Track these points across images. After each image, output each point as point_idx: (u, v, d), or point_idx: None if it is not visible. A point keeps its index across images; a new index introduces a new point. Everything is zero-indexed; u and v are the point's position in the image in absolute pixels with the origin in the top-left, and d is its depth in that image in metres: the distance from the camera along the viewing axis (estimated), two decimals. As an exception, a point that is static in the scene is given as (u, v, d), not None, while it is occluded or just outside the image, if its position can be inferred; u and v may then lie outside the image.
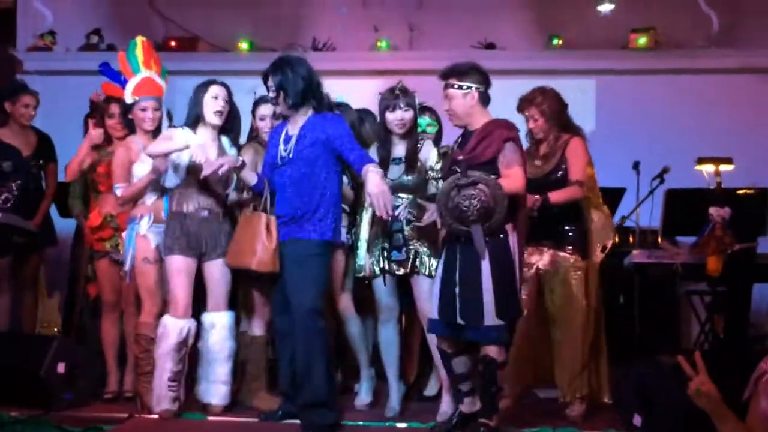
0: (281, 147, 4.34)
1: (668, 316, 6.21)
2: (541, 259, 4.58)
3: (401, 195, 4.42)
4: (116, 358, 5.00)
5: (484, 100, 4.14)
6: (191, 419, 4.47)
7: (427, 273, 4.37)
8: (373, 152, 4.51)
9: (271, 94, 4.34)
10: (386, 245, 4.44)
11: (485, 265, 3.91)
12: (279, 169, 4.33)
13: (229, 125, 4.59)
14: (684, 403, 2.90)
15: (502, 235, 3.96)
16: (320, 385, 4.19)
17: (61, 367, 4.57)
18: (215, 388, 4.51)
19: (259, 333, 4.69)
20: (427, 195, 4.44)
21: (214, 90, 4.51)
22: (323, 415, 4.19)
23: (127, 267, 4.62)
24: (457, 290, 3.95)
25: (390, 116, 4.49)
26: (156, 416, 4.41)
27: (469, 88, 4.09)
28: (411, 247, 4.41)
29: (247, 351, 4.67)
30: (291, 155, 4.28)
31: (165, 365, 4.40)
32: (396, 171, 4.47)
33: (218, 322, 4.51)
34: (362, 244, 4.55)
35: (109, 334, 4.98)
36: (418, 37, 7.31)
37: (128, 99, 4.67)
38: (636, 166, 6.13)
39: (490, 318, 3.90)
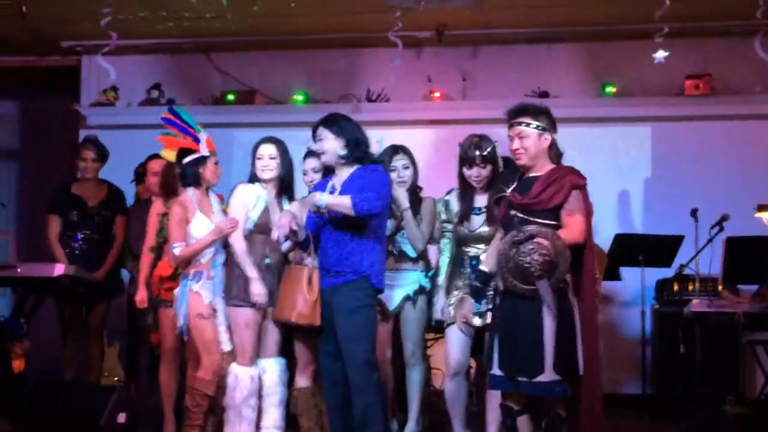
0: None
1: (731, 366, 6.09)
2: None
3: (479, 246, 4.48)
4: (174, 408, 5.04)
5: (552, 146, 4.02)
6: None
7: None
8: (454, 199, 4.64)
9: (320, 144, 4.39)
10: (467, 294, 4.46)
11: (548, 319, 3.78)
12: (329, 221, 4.38)
13: (285, 179, 4.69)
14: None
15: (561, 286, 3.83)
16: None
17: (121, 417, 4.63)
18: None
19: (305, 384, 4.65)
20: None
21: (260, 150, 4.64)
22: None
23: (180, 323, 4.66)
24: (517, 344, 3.81)
25: (467, 173, 4.55)
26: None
27: (544, 129, 3.98)
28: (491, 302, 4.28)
29: (296, 403, 4.64)
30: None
31: (244, 413, 4.47)
32: (477, 221, 4.54)
33: (269, 368, 4.58)
34: (440, 290, 4.61)
35: (168, 384, 5.02)
36: (472, 87, 7.34)
37: (205, 152, 4.70)
38: (694, 213, 6.09)
39: (550, 373, 3.77)
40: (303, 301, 4.29)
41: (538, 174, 3.99)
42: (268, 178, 4.62)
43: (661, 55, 6.28)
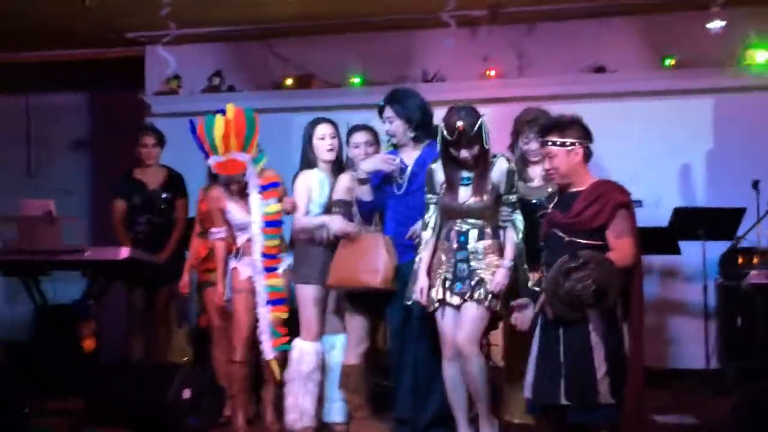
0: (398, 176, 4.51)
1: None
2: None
3: (469, 220, 4.25)
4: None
5: (588, 156, 3.89)
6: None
7: (478, 299, 4.17)
8: (439, 169, 4.33)
9: (389, 125, 4.49)
10: (449, 275, 4.25)
11: (596, 341, 3.70)
12: (401, 197, 4.50)
13: (340, 159, 4.83)
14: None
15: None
16: (443, 401, 4.34)
17: (186, 393, 4.79)
18: (339, 407, 4.73)
19: (356, 362, 4.70)
20: (498, 224, 4.28)
21: (320, 131, 4.73)
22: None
23: (224, 298, 4.94)
24: (562, 369, 3.70)
25: (454, 153, 4.22)
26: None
27: (573, 144, 3.83)
28: (476, 278, 4.19)
29: (348, 381, 4.68)
30: (414, 185, 4.46)
31: (308, 387, 4.65)
32: (465, 193, 4.25)
33: (339, 343, 4.75)
34: (420, 268, 4.30)
35: (221, 363, 5.18)
36: (527, 64, 7.31)
37: (213, 170, 4.85)
38: (756, 185, 5.99)
39: (604, 397, 3.67)
40: (387, 266, 4.38)
41: (578, 189, 3.88)
42: (331, 159, 4.74)
43: (717, 25, 6.16)
